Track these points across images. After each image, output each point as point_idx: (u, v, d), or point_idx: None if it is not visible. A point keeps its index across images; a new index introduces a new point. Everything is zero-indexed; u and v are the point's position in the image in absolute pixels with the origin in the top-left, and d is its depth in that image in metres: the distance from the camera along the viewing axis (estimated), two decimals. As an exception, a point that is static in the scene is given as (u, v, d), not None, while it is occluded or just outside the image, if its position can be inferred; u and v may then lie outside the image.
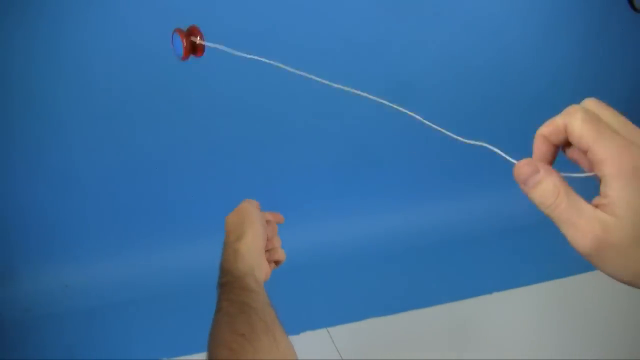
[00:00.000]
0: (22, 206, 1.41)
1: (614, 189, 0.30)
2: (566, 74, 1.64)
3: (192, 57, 0.54)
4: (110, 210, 1.48)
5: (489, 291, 1.43)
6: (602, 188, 0.31)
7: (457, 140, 0.42)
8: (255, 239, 0.63)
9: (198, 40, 0.53)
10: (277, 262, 0.71)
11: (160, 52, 1.33)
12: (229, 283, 0.59)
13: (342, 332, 1.29)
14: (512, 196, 1.79)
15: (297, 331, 1.33)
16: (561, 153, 0.35)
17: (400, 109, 0.45)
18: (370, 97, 0.45)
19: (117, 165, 1.42)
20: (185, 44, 0.53)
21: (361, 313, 1.33)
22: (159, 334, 1.31)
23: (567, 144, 0.35)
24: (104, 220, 1.48)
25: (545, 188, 0.33)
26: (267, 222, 0.71)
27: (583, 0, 1.53)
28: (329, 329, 1.30)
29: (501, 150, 0.41)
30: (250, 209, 0.67)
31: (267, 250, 0.69)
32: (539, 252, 1.59)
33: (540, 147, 0.37)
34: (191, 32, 0.54)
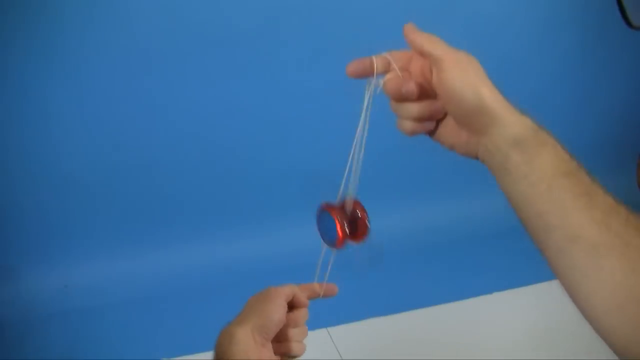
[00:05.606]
0: (22, 206, 1.41)
1: (444, 70, 0.46)
2: (565, 74, 1.64)
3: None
4: (110, 210, 1.48)
5: (489, 291, 1.43)
6: (436, 73, 0.47)
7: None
8: (258, 327, 0.56)
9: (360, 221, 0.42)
10: (287, 356, 0.61)
11: (160, 50, 1.33)
12: None
13: (342, 332, 1.29)
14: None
15: (297, 331, 1.32)
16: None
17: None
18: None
19: (117, 165, 1.42)
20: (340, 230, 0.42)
21: (361, 313, 1.33)
22: (159, 334, 1.31)
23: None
24: (104, 220, 1.48)
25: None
26: (294, 308, 0.63)
27: (581, 4, 1.53)
28: (329, 329, 1.30)
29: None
30: (275, 292, 0.60)
31: (279, 342, 0.60)
32: (539, 252, 1.59)
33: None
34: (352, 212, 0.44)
